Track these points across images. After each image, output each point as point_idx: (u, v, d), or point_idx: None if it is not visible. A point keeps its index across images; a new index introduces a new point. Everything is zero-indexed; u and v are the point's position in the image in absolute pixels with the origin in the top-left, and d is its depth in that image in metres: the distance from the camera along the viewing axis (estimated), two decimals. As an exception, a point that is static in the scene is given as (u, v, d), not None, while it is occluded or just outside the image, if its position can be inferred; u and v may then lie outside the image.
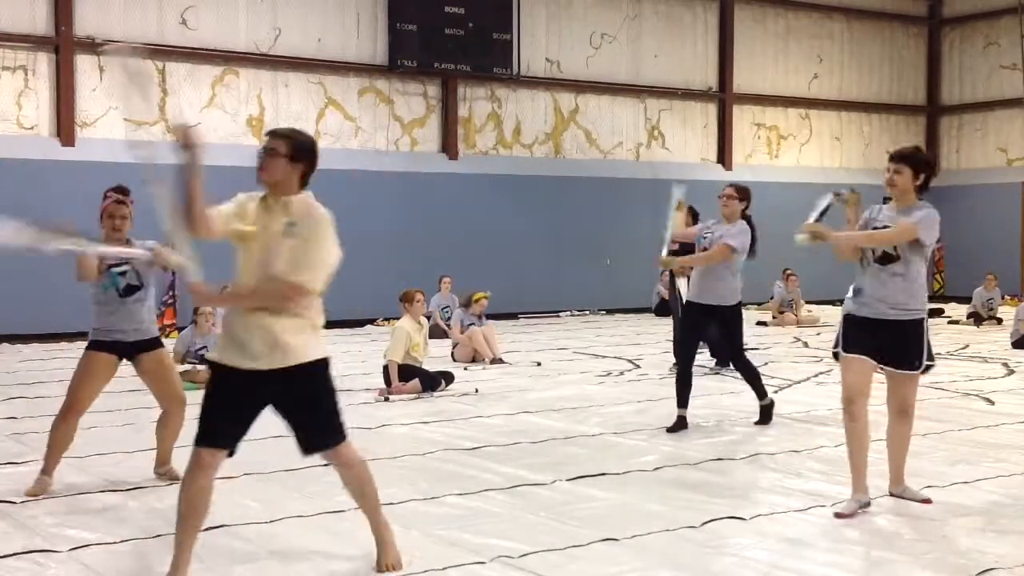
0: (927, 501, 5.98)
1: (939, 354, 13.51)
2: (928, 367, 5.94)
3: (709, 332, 9.14)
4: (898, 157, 5.95)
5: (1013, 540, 5.32)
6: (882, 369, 5.94)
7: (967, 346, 14.64)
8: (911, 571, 4.88)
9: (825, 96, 24.24)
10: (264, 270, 4.55)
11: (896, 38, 25.29)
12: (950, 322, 18.56)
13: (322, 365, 4.74)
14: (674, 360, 11.90)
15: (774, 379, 11.13)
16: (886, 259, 5.80)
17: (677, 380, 8.52)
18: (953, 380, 11.16)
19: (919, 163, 5.91)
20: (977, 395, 10.13)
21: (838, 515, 5.75)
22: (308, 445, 4.73)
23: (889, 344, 5.82)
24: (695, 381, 10.69)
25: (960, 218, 24.78)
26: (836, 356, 6.01)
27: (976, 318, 18.02)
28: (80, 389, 6.47)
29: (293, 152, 4.60)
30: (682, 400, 8.38)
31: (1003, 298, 19.16)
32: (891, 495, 6.10)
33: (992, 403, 9.69)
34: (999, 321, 17.72)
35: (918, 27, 25.59)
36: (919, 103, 25.72)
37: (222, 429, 4.57)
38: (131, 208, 6.47)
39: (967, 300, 19.26)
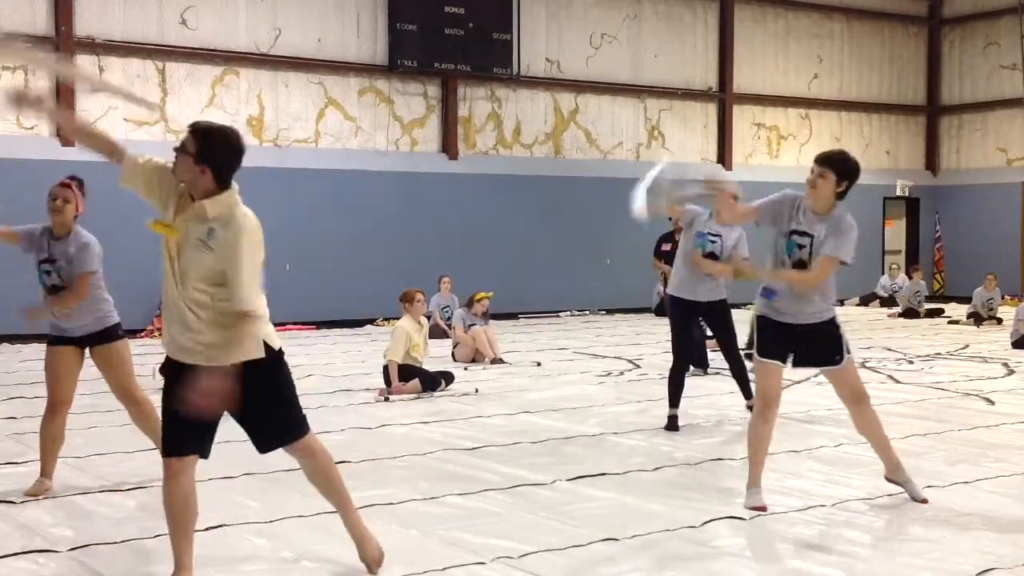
0: (924, 501, 5.97)
1: (939, 354, 13.58)
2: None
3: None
4: (824, 160, 5.74)
5: (1013, 540, 5.32)
6: (803, 369, 5.94)
7: (967, 346, 14.64)
8: (911, 571, 4.88)
9: (825, 96, 24.24)
10: (185, 282, 4.32)
11: (896, 38, 25.29)
12: (950, 322, 18.56)
13: (276, 359, 4.52)
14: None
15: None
16: (800, 266, 5.74)
17: (670, 381, 8.55)
18: (953, 380, 11.16)
19: (846, 170, 5.72)
20: (977, 395, 10.13)
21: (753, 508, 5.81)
22: (267, 442, 4.63)
23: (811, 346, 5.82)
24: (698, 382, 10.76)
25: (960, 218, 24.85)
26: (750, 357, 5.95)
27: (976, 318, 18.02)
28: (53, 385, 6.43)
29: (199, 150, 4.29)
30: (675, 400, 8.44)
31: (1003, 298, 19.16)
32: (888, 480, 6.12)
33: (992, 403, 9.69)
34: (999, 321, 17.72)
35: (918, 27, 25.59)
36: (919, 103, 25.72)
37: (184, 436, 4.44)
38: (74, 192, 6.43)
39: (967, 300, 19.26)
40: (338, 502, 4.80)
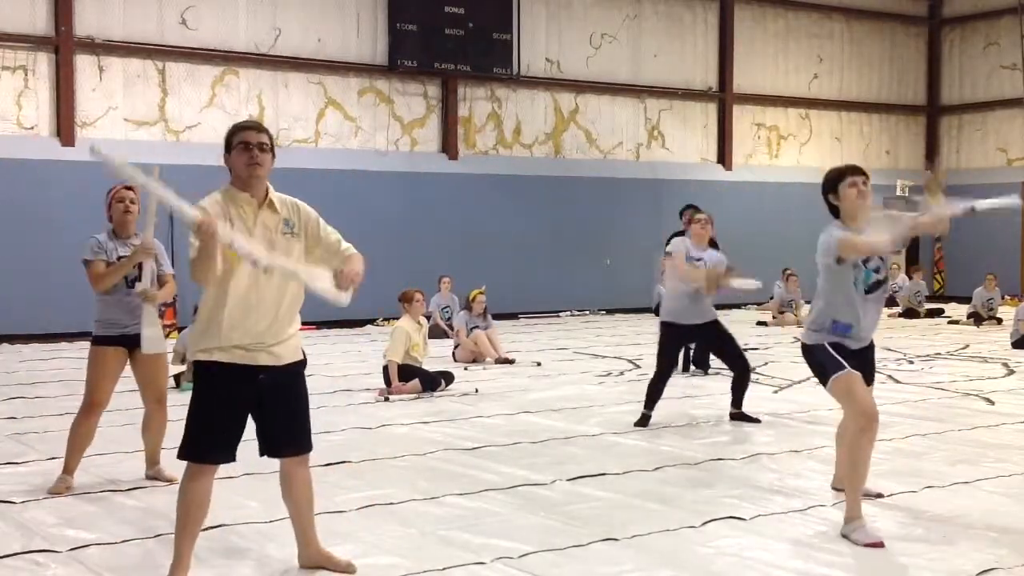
0: (879, 496, 6.03)
1: (939, 354, 13.58)
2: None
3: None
4: (862, 171, 5.50)
5: (1013, 540, 5.31)
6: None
7: (967, 346, 14.64)
8: (911, 571, 4.87)
9: (825, 96, 24.24)
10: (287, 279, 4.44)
11: (896, 38, 25.30)
12: (950, 322, 18.56)
13: (304, 367, 4.74)
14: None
15: (774, 379, 11.14)
16: (877, 285, 5.49)
17: (652, 385, 8.70)
18: (953, 380, 11.16)
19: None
20: (977, 395, 10.13)
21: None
22: (281, 448, 4.66)
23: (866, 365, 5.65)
24: (698, 382, 10.79)
25: (960, 218, 24.79)
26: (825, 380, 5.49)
27: (976, 318, 18.02)
28: (98, 385, 6.46)
29: (272, 146, 4.61)
30: (651, 402, 8.64)
31: (1003, 298, 19.16)
32: (834, 488, 6.15)
33: (992, 403, 9.69)
34: (999, 321, 17.73)
35: (918, 27, 25.60)
36: (919, 103, 25.72)
37: (214, 445, 4.52)
38: (138, 193, 6.44)
39: (967, 300, 19.26)
40: (310, 522, 4.83)
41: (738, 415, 8.70)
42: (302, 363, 4.66)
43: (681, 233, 13.62)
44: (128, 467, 6.96)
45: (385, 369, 10.41)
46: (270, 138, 4.62)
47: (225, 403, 4.48)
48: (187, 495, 4.51)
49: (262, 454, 4.70)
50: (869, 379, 5.61)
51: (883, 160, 25.10)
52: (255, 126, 4.62)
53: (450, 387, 10.51)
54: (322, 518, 5.63)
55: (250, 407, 4.54)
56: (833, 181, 5.53)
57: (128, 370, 6.52)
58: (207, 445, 4.50)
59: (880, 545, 5.19)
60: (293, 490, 4.76)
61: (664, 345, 8.74)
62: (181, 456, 4.54)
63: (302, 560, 4.87)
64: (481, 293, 13.55)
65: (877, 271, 5.51)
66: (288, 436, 4.64)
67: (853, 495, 5.42)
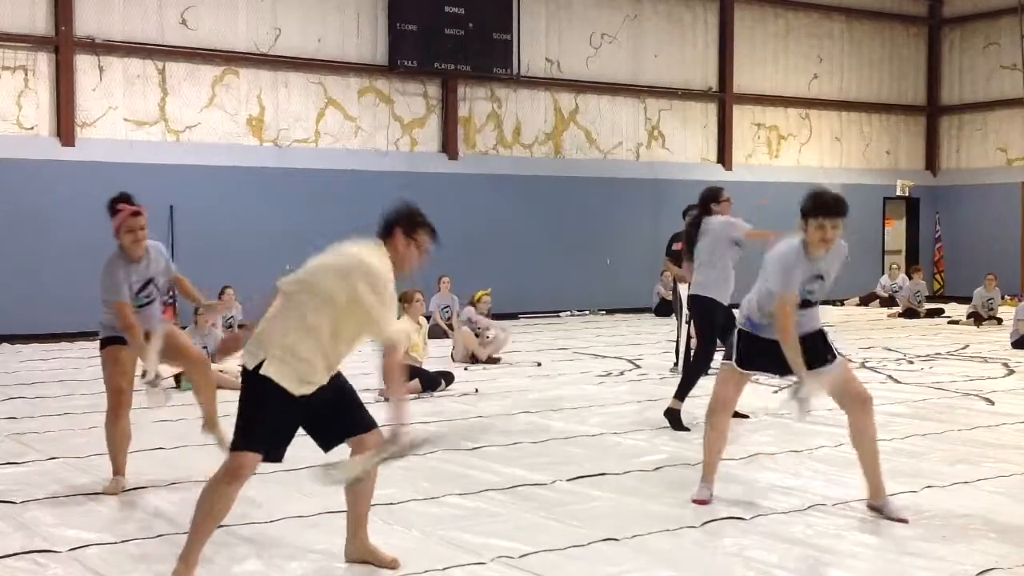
0: (904, 521, 5.66)
1: (939, 354, 13.57)
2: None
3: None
4: (839, 213, 5.57)
5: (1013, 540, 5.32)
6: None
7: (967, 346, 14.64)
8: (911, 571, 4.88)
9: (825, 96, 24.24)
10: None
11: (896, 38, 25.29)
12: (950, 322, 18.56)
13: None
14: (675, 360, 11.93)
15: (774, 378, 11.12)
16: (807, 304, 5.72)
17: (691, 376, 8.62)
18: (953, 380, 11.16)
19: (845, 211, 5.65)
20: (977, 395, 10.13)
21: (696, 501, 5.94)
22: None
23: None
24: (700, 380, 10.77)
25: (960, 218, 24.85)
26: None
27: (976, 318, 18.02)
28: (117, 384, 6.49)
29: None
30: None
31: (1003, 298, 19.16)
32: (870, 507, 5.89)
33: (992, 403, 9.69)
34: (999, 321, 17.73)
35: (918, 27, 25.59)
36: (919, 103, 25.72)
37: (276, 439, 4.58)
38: (145, 216, 6.47)
39: (967, 300, 19.26)
40: (364, 513, 5.02)
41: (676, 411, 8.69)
42: None
43: (682, 234, 13.59)
44: (128, 467, 6.93)
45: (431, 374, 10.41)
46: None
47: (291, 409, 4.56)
48: (220, 496, 4.48)
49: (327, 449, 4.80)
50: (819, 361, 5.67)
51: (883, 160, 25.11)
52: (435, 231, 5.05)
53: (450, 387, 10.51)
54: (322, 518, 5.65)
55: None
56: (807, 210, 5.62)
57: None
58: (267, 441, 4.54)
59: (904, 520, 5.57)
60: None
61: (699, 323, 8.72)
62: (241, 447, 4.50)
63: (348, 554, 4.94)
64: (487, 294, 13.55)
65: (811, 293, 5.71)
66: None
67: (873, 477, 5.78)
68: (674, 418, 8.47)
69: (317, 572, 4.88)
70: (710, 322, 8.64)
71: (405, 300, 10.70)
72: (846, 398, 5.83)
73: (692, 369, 8.76)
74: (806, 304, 5.72)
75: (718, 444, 6.10)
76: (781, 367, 5.77)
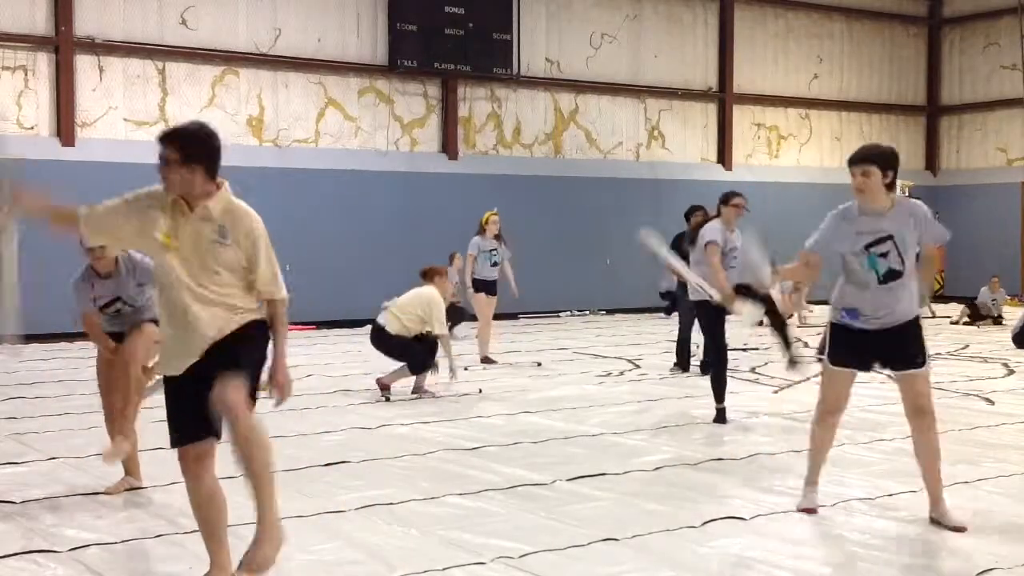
0: (962, 530, 5.52)
1: (939, 354, 13.56)
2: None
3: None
4: (862, 159, 5.53)
5: (1013, 540, 5.32)
6: (888, 373, 5.85)
7: (967, 346, 14.64)
8: (911, 571, 4.87)
9: (825, 96, 24.23)
10: (202, 282, 4.31)
11: (896, 38, 25.29)
12: (951, 322, 18.56)
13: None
14: (675, 360, 11.93)
15: (774, 379, 11.14)
16: (894, 276, 5.50)
17: (719, 378, 8.71)
18: (953, 380, 11.15)
19: (887, 159, 5.53)
20: (977, 395, 10.13)
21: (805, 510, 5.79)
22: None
23: (892, 349, 5.65)
24: (698, 382, 10.79)
25: (960, 218, 24.77)
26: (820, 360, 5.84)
27: (976, 317, 18.05)
28: (105, 354, 6.52)
29: (183, 155, 4.27)
30: (721, 395, 8.68)
31: (1005, 299, 19.18)
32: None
33: (992, 403, 9.69)
34: (999, 321, 17.74)
35: (918, 27, 25.59)
36: (919, 103, 25.72)
37: (194, 421, 4.41)
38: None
39: (967, 300, 19.25)
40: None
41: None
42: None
43: (684, 234, 13.62)
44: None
45: (423, 342, 10.14)
46: (182, 146, 4.30)
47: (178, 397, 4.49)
48: (190, 495, 4.50)
49: None
50: (896, 364, 5.68)
51: (883, 160, 25.09)
52: (165, 136, 4.37)
53: (450, 387, 10.50)
54: (322, 518, 5.64)
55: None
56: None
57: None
58: (183, 425, 4.46)
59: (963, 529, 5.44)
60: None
61: (706, 327, 8.79)
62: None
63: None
64: (494, 214, 13.16)
65: (883, 256, 5.48)
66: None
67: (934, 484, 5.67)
68: (721, 416, 8.63)
69: (317, 572, 4.88)
70: (715, 322, 8.70)
71: (438, 274, 10.69)
72: (909, 410, 5.76)
73: (713, 373, 8.82)
74: (889, 277, 5.46)
75: (826, 447, 5.94)
76: (865, 362, 5.75)
